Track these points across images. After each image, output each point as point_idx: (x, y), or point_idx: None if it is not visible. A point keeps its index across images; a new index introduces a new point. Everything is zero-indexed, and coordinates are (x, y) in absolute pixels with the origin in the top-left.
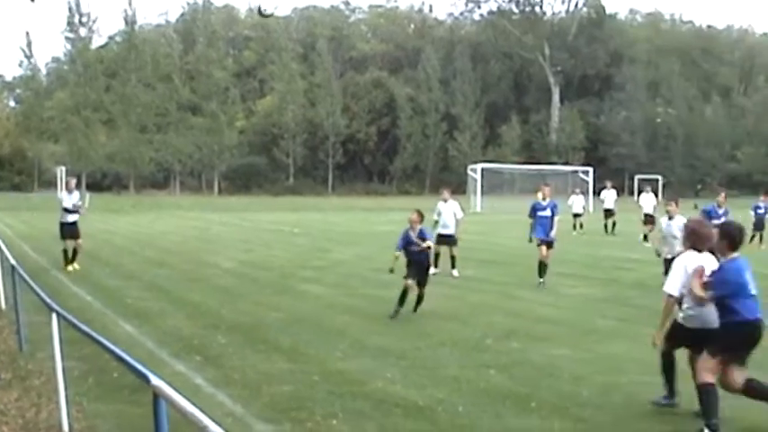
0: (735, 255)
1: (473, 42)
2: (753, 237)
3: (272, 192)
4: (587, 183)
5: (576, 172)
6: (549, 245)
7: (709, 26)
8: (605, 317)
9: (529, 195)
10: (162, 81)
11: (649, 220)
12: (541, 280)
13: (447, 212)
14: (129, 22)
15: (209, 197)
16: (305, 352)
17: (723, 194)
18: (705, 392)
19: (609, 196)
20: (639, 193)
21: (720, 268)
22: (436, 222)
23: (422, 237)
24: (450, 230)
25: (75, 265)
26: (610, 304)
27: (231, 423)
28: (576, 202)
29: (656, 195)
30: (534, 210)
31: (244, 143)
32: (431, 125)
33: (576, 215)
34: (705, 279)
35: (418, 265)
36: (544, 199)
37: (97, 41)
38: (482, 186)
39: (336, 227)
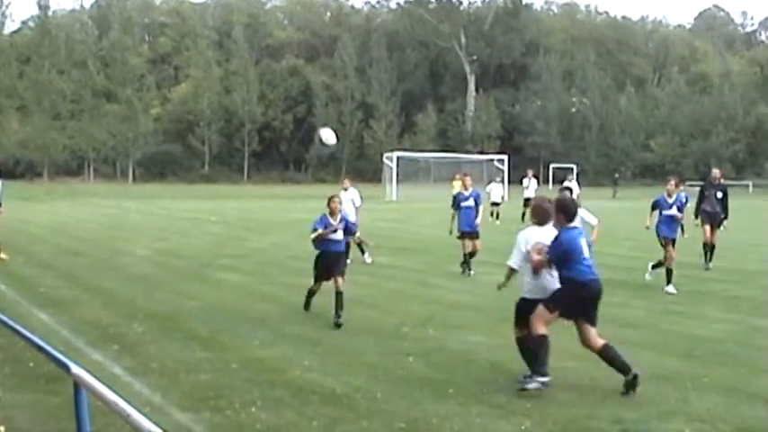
0: (571, 225)
1: (389, 31)
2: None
3: (188, 179)
4: (502, 171)
5: (492, 160)
6: (475, 236)
7: (623, 17)
8: None
9: (444, 184)
10: (76, 67)
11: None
12: (471, 272)
13: (346, 201)
14: (43, 7)
15: (124, 185)
16: (223, 340)
17: (673, 181)
18: (539, 343)
19: (531, 185)
20: (561, 181)
21: (557, 237)
22: None
23: (348, 229)
24: (350, 219)
25: (2, 255)
26: None
27: (150, 412)
28: (495, 191)
29: (579, 184)
30: (458, 201)
31: (159, 130)
32: (347, 113)
33: (494, 203)
34: (545, 249)
35: (333, 257)
36: (466, 189)
37: (10, 27)
38: (397, 174)
39: (253, 215)
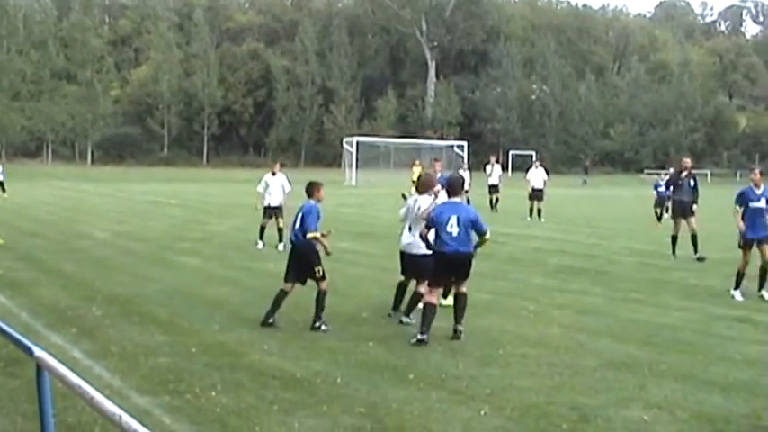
0: (452, 200)
1: (350, 16)
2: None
3: (147, 162)
4: (462, 157)
5: (452, 147)
6: None
7: (584, 6)
8: (480, 290)
9: (404, 169)
10: (35, 48)
11: (536, 194)
12: None
13: (275, 185)
14: None
15: (83, 167)
16: (182, 324)
17: (758, 171)
18: (425, 308)
19: (494, 171)
20: (528, 168)
21: (435, 207)
22: (259, 194)
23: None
24: (278, 202)
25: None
26: (485, 278)
27: (109, 396)
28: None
29: (547, 171)
30: None
31: (118, 113)
32: (307, 98)
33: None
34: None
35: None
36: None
37: None
38: (357, 160)
39: (212, 198)
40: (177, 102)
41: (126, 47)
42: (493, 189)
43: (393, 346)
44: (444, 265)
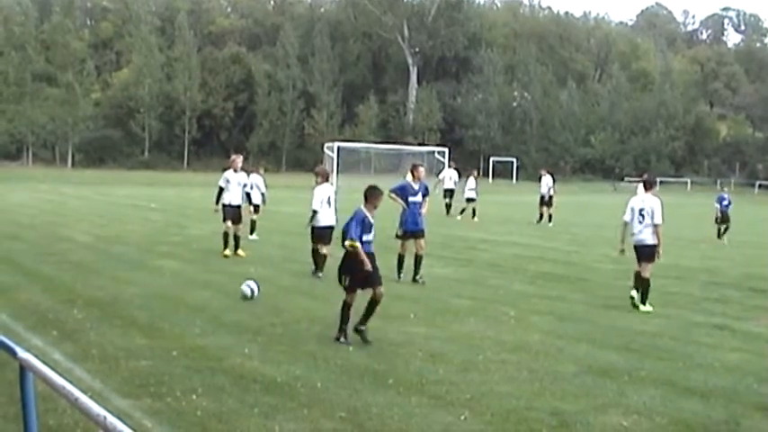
0: (368, 207)
1: (333, 21)
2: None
3: (127, 166)
4: (443, 164)
5: (433, 153)
6: (421, 234)
7: (566, 13)
8: (460, 296)
9: (385, 175)
10: (16, 50)
11: (546, 201)
12: (420, 278)
13: (234, 183)
14: None
15: (63, 170)
16: (163, 327)
17: None
18: (342, 309)
19: (469, 183)
20: (540, 177)
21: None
22: (222, 190)
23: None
24: (236, 202)
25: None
26: (465, 284)
27: (90, 398)
28: (451, 177)
29: (554, 179)
30: (406, 194)
31: (99, 116)
32: (288, 102)
33: (448, 190)
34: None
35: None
36: (416, 181)
37: None
38: (338, 165)
39: (192, 202)
40: (158, 105)
41: (107, 50)
42: (470, 200)
43: (373, 352)
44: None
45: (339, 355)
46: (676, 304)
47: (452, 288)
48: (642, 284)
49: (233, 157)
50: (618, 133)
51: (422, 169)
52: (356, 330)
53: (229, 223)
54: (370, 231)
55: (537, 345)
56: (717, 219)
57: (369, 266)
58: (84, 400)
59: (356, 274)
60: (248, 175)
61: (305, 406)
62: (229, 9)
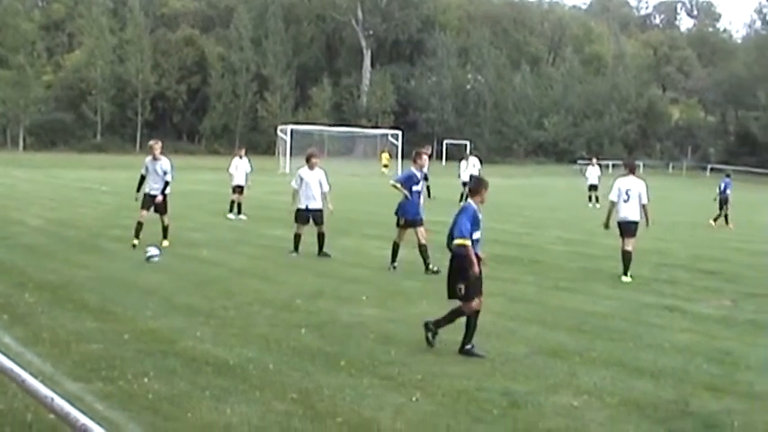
0: (476, 201)
1: (286, 3)
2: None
3: (79, 149)
4: (396, 146)
5: (386, 135)
6: (420, 223)
7: None
8: (412, 278)
9: (338, 158)
10: None
11: (592, 189)
12: (434, 266)
13: (152, 171)
14: None
15: (14, 153)
16: (114, 311)
17: None
18: (469, 322)
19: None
20: (460, 159)
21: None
22: (143, 177)
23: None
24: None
25: None
26: (416, 266)
27: (41, 382)
28: (473, 165)
29: (601, 168)
30: (411, 184)
31: (51, 98)
32: (241, 85)
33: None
34: None
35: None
36: (419, 169)
37: None
38: (291, 148)
39: None
40: (110, 87)
41: (59, 32)
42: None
43: (325, 333)
44: None
45: (291, 338)
46: (627, 286)
47: (404, 270)
48: (624, 257)
49: (151, 142)
50: (571, 116)
51: (425, 157)
52: (462, 352)
53: (144, 212)
54: (479, 228)
55: (488, 326)
56: (721, 204)
57: (477, 269)
58: (32, 381)
59: (472, 278)
60: (241, 158)
61: (257, 388)
62: None
